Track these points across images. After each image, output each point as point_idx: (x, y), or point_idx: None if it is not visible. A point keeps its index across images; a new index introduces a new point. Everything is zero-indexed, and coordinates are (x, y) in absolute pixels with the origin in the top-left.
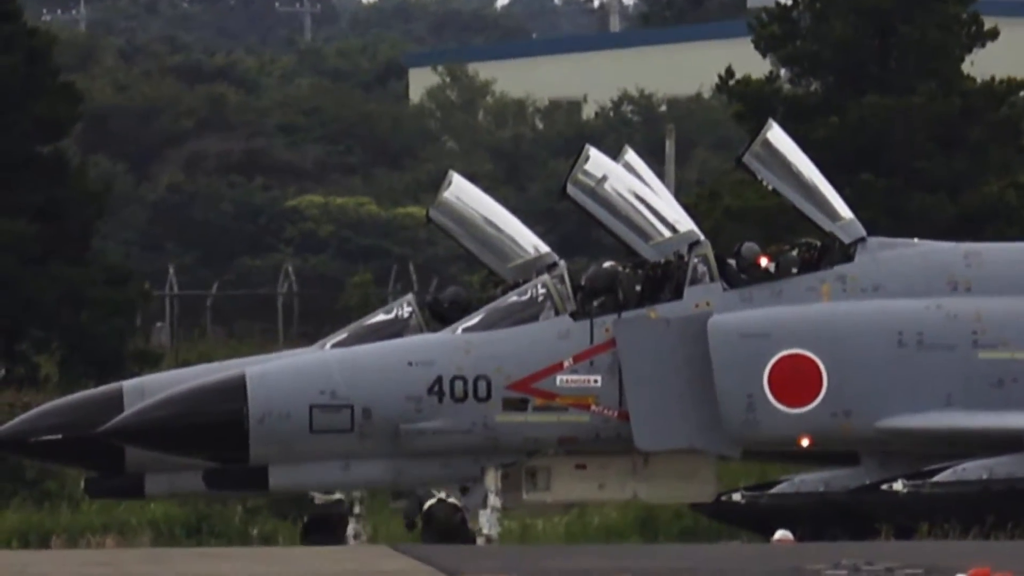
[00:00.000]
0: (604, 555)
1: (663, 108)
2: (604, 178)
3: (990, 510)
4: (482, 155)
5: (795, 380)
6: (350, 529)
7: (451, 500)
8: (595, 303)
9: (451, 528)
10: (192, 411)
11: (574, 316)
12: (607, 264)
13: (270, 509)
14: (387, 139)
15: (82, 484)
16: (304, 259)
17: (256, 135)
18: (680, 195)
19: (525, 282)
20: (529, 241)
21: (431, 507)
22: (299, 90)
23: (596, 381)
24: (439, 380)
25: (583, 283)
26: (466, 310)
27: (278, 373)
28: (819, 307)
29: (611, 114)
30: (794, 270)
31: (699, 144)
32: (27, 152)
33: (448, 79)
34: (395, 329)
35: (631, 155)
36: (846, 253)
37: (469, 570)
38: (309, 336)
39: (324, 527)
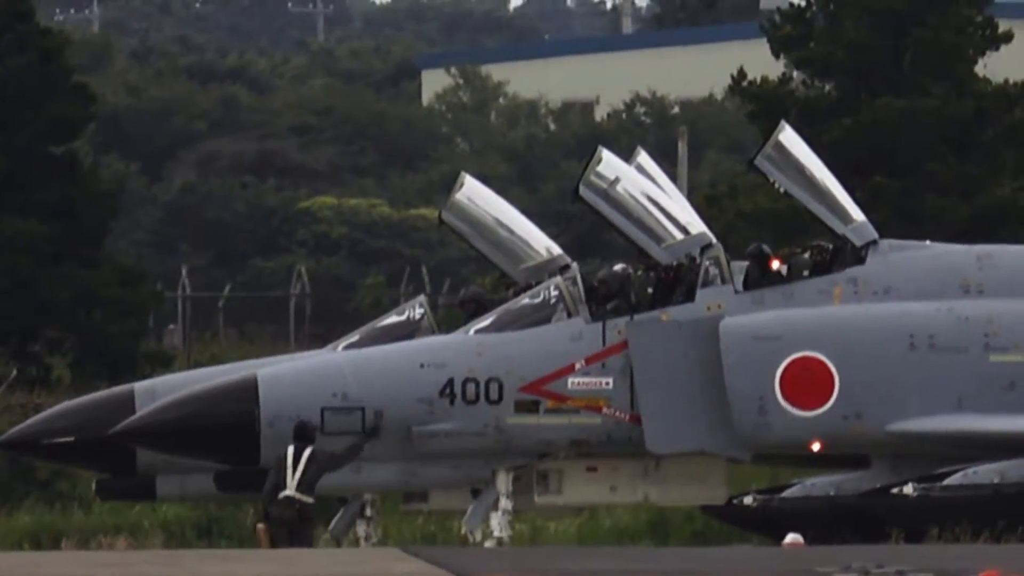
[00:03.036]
0: (615, 557)
1: (675, 110)
2: (616, 180)
3: (1001, 514)
4: (495, 156)
5: (806, 383)
6: (361, 531)
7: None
8: (607, 305)
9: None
10: (203, 413)
11: (594, 315)
12: (619, 266)
13: None
14: (400, 140)
15: (93, 486)
16: (317, 260)
17: (269, 136)
18: (692, 197)
19: (537, 284)
20: (541, 243)
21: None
22: (312, 91)
23: (608, 383)
24: (451, 382)
25: (595, 285)
26: (484, 309)
27: (290, 375)
28: (831, 310)
29: (623, 116)
30: (806, 272)
31: (711, 146)
32: (40, 152)
33: (460, 80)
34: (407, 331)
35: (643, 157)
36: (858, 255)
37: (480, 572)
38: (321, 338)
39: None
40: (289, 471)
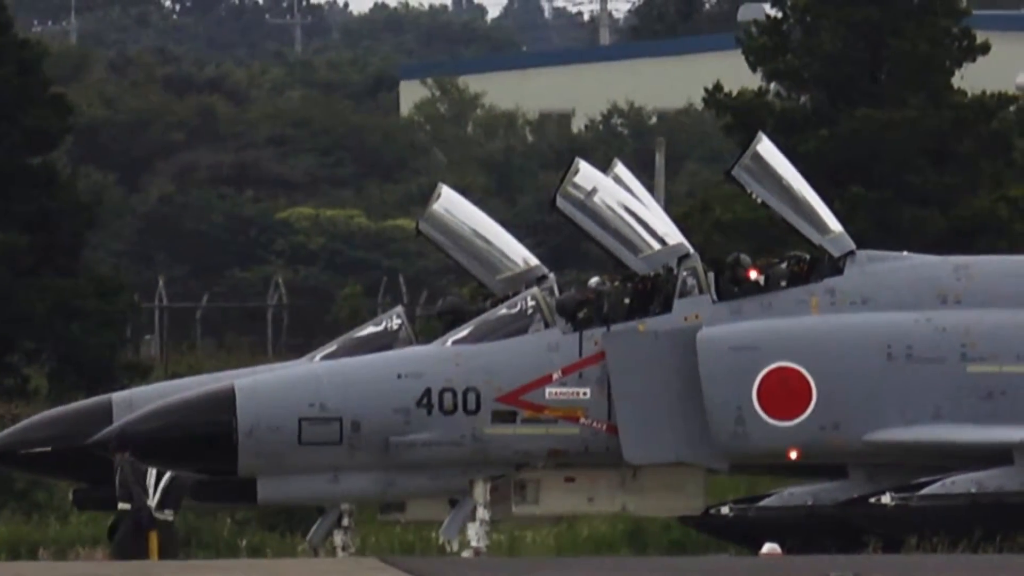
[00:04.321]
0: (593, 568)
1: (653, 121)
2: (594, 191)
3: (978, 524)
4: (472, 167)
5: (784, 393)
6: (338, 540)
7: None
8: (579, 316)
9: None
10: (181, 423)
11: (574, 325)
12: (594, 279)
13: (259, 521)
14: (378, 151)
15: (71, 496)
16: (294, 271)
17: (246, 147)
18: (670, 208)
19: (515, 295)
20: (518, 254)
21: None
22: (289, 102)
23: (585, 394)
24: (428, 392)
25: (560, 301)
26: (463, 319)
27: (267, 385)
28: (808, 320)
29: (601, 127)
30: (783, 283)
31: (689, 157)
32: (18, 163)
33: (438, 92)
34: (384, 341)
35: (621, 168)
36: (835, 266)
37: None
38: (299, 348)
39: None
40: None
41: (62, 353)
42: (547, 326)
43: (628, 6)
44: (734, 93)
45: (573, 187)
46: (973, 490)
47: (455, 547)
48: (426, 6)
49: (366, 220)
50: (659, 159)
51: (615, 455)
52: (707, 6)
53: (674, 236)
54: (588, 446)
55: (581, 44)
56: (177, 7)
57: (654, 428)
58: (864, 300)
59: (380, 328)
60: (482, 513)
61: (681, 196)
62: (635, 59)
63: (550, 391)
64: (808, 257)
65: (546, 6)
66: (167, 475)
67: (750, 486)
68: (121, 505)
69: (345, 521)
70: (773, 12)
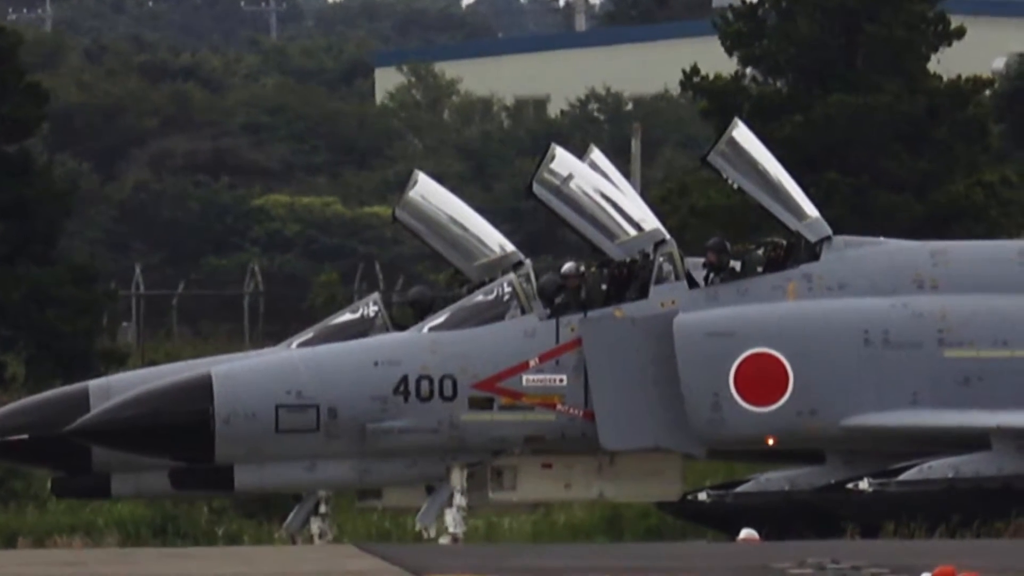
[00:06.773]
0: (570, 554)
1: (629, 107)
2: (570, 177)
3: (955, 509)
4: (448, 154)
5: (761, 379)
6: (315, 528)
7: None
8: (556, 301)
9: None
10: (158, 411)
11: (551, 312)
12: (569, 264)
13: (236, 509)
14: (353, 138)
15: (48, 484)
16: (270, 258)
17: (222, 134)
18: (646, 193)
19: (491, 281)
20: (495, 240)
21: None
22: (265, 89)
23: (562, 380)
24: (405, 379)
25: (545, 286)
26: (430, 309)
27: (244, 373)
28: (785, 306)
29: (577, 113)
30: (760, 269)
31: (665, 142)
32: None
33: (413, 78)
34: (361, 328)
35: (597, 154)
36: (812, 252)
37: (435, 569)
38: (275, 336)
39: None
40: None
41: (39, 341)
42: (524, 313)
43: None
44: (710, 78)
45: (549, 173)
46: (950, 475)
47: (432, 534)
48: None
49: (342, 207)
50: (635, 145)
51: (592, 441)
52: None
53: (650, 222)
54: (565, 432)
55: (557, 30)
56: None
57: (631, 414)
58: (841, 285)
59: (356, 315)
60: (459, 500)
61: (657, 181)
62: (611, 45)
63: (527, 378)
64: (784, 243)
65: None
66: None
67: (728, 472)
68: None
69: (322, 508)
70: None
